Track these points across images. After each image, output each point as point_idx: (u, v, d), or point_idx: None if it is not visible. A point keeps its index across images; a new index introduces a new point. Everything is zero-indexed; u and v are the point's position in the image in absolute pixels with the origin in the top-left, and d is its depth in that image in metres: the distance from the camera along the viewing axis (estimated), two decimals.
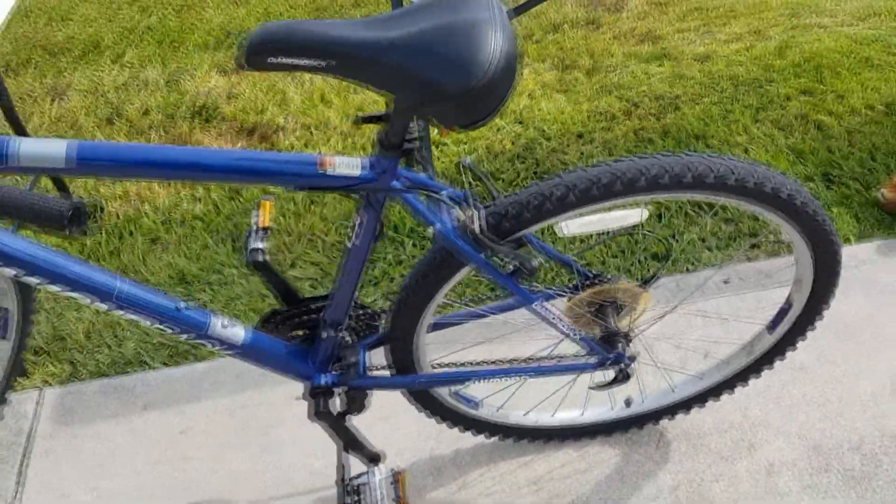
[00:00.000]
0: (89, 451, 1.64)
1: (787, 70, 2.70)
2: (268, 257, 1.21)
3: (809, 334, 1.42)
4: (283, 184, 1.04)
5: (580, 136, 2.50)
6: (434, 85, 0.90)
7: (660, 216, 2.14)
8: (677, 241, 2.07)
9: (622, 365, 1.32)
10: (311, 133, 2.62)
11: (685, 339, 1.77)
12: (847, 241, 2.03)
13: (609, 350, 1.31)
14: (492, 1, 0.94)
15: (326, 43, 0.88)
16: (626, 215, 1.16)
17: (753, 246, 2.05)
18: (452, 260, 1.15)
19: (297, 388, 1.32)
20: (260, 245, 1.22)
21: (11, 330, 1.51)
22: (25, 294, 1.46)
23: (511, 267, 1.16)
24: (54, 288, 1.05)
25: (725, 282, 1.94)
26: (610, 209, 1.15)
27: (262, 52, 0.88)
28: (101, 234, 2.23)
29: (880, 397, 1.66)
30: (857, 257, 1.97)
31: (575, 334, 1.26)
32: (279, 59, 0.87)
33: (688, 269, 1.99)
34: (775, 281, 1.92)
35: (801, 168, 2.27)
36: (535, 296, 1.19)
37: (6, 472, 1.60)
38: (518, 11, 2.20)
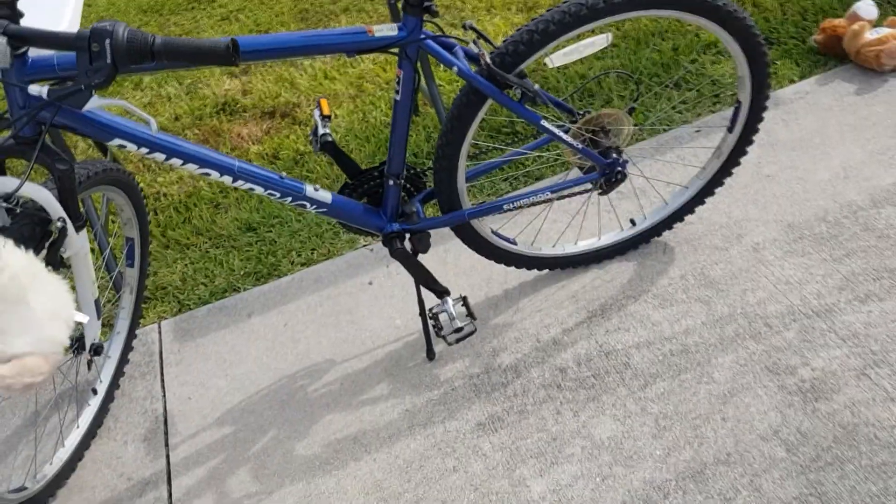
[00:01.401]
0: (213, 353, 2.01)
1: None
2: (333, 138, 1.59)
3: (772, 151, 1.80)
4: (345, 50, 1.42)
5: None
6: None
7: (623, 98, 2.53)
8: (647, 117, 2.45)
9: (618, 168, 1.70)
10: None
11: (668, 155, 2.15)
12: (792, 81, 2.41)
13: (606, 158, 1.69)
14: None
15: None
16: (595, 41, 1.54)
17: (716, 102, 2.43)
18: (475, 97, 1.53)
19: (366, 278, 1.69)
20: (326, 130, 1.60)
21: (136, 257, 1.89)
22: (143, 225, 1.84)
23: (519, 94, 1.54)
24: (192, 166, 1.43)
25: (697, 130, 2.32)
26: (581, 38, 1.53)
27: None
28: (170, 210, 2.62)
29: (836, 180, 2.03)
30: (801, 90, 2.35)
31: (578, 146, 1.64)
32: None
33: (664, 130, 2.37)
34: None
35: None
36: (540, 116, 1.58)
37: (150, 381, 1.98)
38: None
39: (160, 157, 1.39)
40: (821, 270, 1.83)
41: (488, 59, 1.46)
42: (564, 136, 1.62)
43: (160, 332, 2.12)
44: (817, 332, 1.70)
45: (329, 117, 1.63)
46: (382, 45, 1.42)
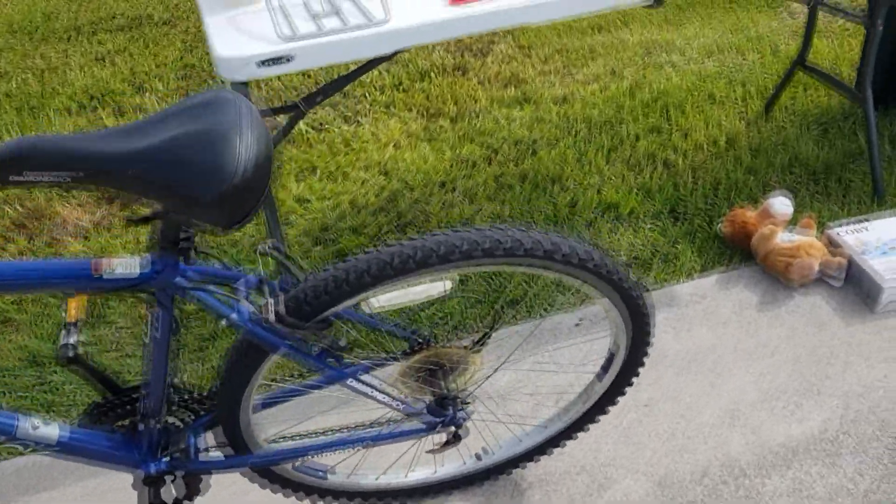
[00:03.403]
0: None
1: (637, 110, 2.83)
2: (80, 351, 1.18)
3: (656, 370, 1.49)
4: (59, 290, 1.03)
5: (443, 185, 2.55)
6: (183, 193, 0.92)
7: None
8: (531, 286, 2.13)
9: (454, 427, 1.34)
10: None
11: (529, 388, 1.82)
12: (691, 275, 2.13)
13: (440, 413, 1.33)
14: (240, 104, 0.96)
15: (74, 157, 0.88)
16: (430, 288, 1.19)
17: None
18: (255, 352, 1.15)
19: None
20: (70, 340, 1.19)
21: None
22: None
23: (321, 346, 1.17)
24: None
25: (577, 324, 2.00)
26: (413, 284, 1.18)
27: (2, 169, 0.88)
28: None
29: (721, 426, 1.73)
30: (698, 292, 2.07)
31: (397, 405, 1.28)
32: (23, 176, 0.87)
33: (541, 315, 2.04)
34: None
35: (649, 205, 2.37)
36: (351, 370, 1.21)
37: None
38: (275, 111, 2.15)
39: None
40: None
41: (272, 315, 1.08)
42: (379, 397, 1.25)
43: None
44: None
45: (78, 324, 1.22)
46: (118, 289, 1.03)
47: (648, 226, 2.31)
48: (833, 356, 1.88)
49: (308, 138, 2.86)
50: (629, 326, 1.35)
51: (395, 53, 1.56)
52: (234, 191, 0.91)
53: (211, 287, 1.10)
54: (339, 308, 1.13)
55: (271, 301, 1.09)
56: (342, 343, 1.13)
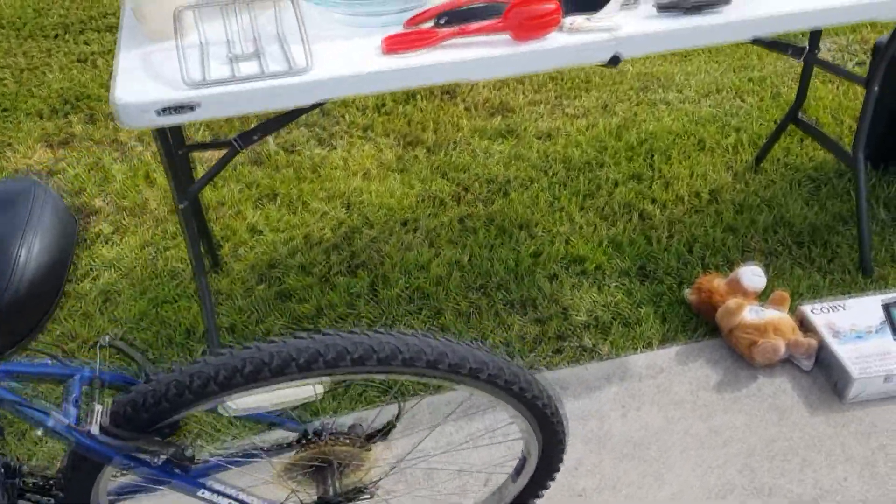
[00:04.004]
0: None
1: (621, 153, 2.68)
2: None
3: (598, 452, 1.35)
4: None
5: (405, 223, 2.42)
6: None
7: (469, 316, 2.07)
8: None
9: None
10: (126, 217, 2.47)
11: (436, 485, 1.68)
12: (649, 344, 1.98)
13: None
14: (36, 197, 0.84)
15: None
16: (298, 392, 1.06)
17: (557, 351, 1.98)
18: (87, 464, 1.03)
19: None
20: None
21: None
22: None
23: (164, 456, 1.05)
24: None
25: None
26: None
27: None
28: None
29: None
30: (656, 365, 1.92)
31: None
32: None
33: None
34: (570, 394, 1.85)
35: (618, 262, 2.23)
36: (204, 479, 1.08)
37: None
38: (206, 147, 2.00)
39: None
40: None
41: (95, 427, 0.95)
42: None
43: None
44: None
45: None
46: None
47: (614, 284, 2.16)
48: (791, 451, 1.72)
49: (276, 161, 2.74)
50: (540, 439, 1.22)
51: (316, 105, 1.43)
52: (6, 308, 0.79)
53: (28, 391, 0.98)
54: (183, 415, 1.00)
55: (98, 408, 0.96)
56: (188, 452, 1.01)
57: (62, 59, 3.54)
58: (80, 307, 2.13)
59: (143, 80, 1.37)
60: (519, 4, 1.46)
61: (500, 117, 2.99)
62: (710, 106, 2.97)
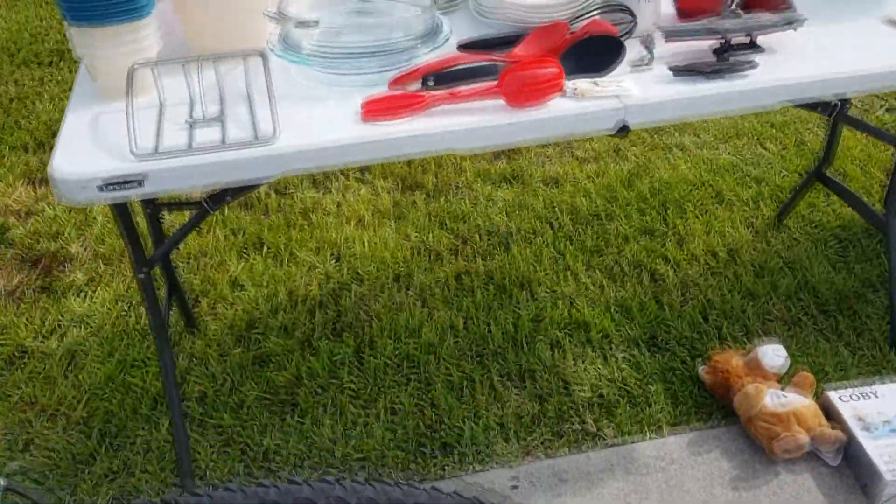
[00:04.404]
0: None
1: (632, 204, 2.51)
2: None
3: None
4: None
5: (398, 278, 2.26)
6: None
7: (461, 389, 1.89)
8: (475, 423, 1.82)
9: None
10: (102, 265, 2.32)
11: None
12: (659, 429, 1.80)
13: None
14: None
15: None
16: None
17: (557, 434, 1.80)
18: None
19: None
20: None
21: None
22: None
23: None
24: None
25: (514, 486, 1.68)
26: None
27: None
28: None
29: None
30: (665, 455, 1.74)
31: None
32: None
33: (474, 468, 1.73)
34: (569, 488, 1.67)
35: (626, 329, 2.05)
36: None
37: None
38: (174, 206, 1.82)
39: None
40: None
41: None
42: None
43: None
44: None
45: None
46: None
47: (622, 354, 1.98)
48: None
49: (267, 204, 2.59)
50: None
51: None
52: None
53: None
54: None
55: None
56: None
57: (54, 89, 3.41)
58: (43, 369, 1.97)
59: (87, 148, 1.21)
60: (516, 67, 1.29)
61: (505, 159, 2.83)
62: (728, 153, 2.80)
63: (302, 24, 1.33)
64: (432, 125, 1.27)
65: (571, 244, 2.35)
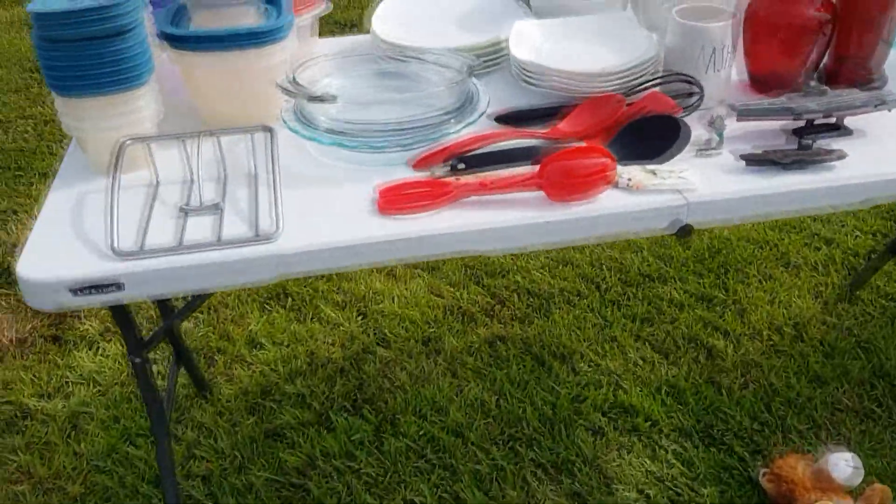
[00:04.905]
0: None
1: (689, 265, 2.29)
2: None
3: None
4: None
5: (426, 341, 2.08)
6: None
7: (490, 481, 1.71)
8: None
9: None
10: None
11: None
12: None
13: None
14: None
15: None
16: None
17: None
18: None
19: None
20: None
21: None
22: None
23: None
24: None
25: None
26: None
27: None
28: None
29: None
30: None
31: None
32: None
33: None
34: None
35: (678, 416, 1.84)
36: None
37: None
38: None
39: None
40: None
41: None
42: None
43: None
44: None
45: None
46: None
47: (672, 447, 1.78)
48: None
49: None
50: None
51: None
52: None
53: None
54: None
55: None
56: None
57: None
58: (44, 434, 1.85)
59: (64, 240, 1.06)
60: (560, 156, 1.10)
61: None
62: None
63: (315, 99, 1.16)
64: (458, 222, 1.09)
65: (619, 310, 2.15)
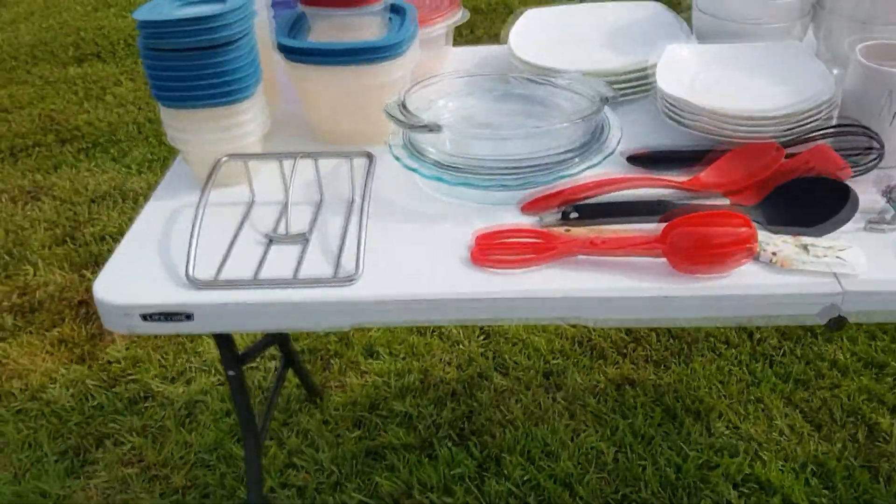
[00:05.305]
0: None
1: (860, 322, 1.99)
2: None
3: None
4: None
5: (548, 374, 1.94)
6: None
7: None
8: None
9: None
10: None
11: None
12: None
13: None
14: None
15: None
16: None
17: None
18: None
19: None
20: None
21: None
22: None
23: None
24: None
25: None
26: None
27: None
28: None
29: None
30: None
31: None
32: None
33: None
34: None
35: (822, 502, 1.59)
36: None
37: None
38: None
39: None
40: None
41: None
42: None
43: None
44: None
45: None
46: None
47: None
48: None
49: None
50: None
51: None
52: None
53: None
54: None
55: None
56: None
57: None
58: (161, 417, 1.89)
59: (142, 262, 1.02)
60: (688, 221, 0.93)
61: None
62: None
63: (420, 128, 1.06)
64: (562, 284, 0.95)
65: (770, 367, 1.90)
